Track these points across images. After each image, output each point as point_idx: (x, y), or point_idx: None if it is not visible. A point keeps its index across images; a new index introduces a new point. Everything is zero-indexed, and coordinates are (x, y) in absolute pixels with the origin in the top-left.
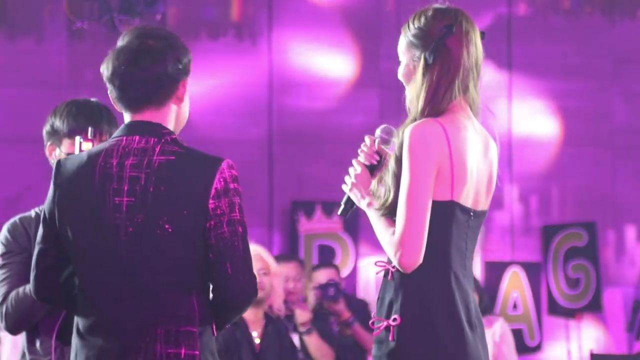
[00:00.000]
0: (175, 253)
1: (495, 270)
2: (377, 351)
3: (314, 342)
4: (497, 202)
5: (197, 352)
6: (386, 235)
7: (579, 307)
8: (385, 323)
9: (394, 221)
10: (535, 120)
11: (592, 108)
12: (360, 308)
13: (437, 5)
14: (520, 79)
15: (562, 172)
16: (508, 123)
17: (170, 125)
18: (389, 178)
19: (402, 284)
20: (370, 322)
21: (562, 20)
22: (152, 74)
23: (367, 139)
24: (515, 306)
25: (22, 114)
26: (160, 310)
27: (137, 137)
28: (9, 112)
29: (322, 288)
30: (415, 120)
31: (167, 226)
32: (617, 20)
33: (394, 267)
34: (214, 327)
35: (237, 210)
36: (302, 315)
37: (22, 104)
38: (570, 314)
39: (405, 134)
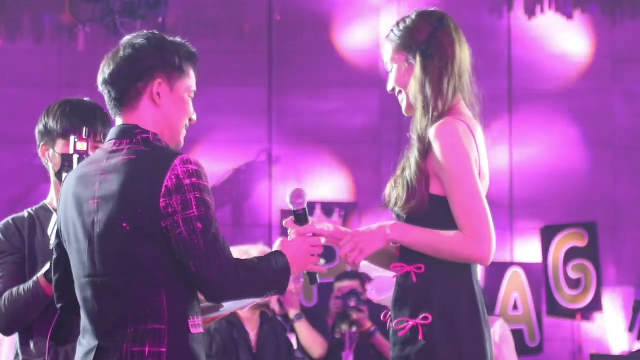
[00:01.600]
0: (137, 251)
1: (495, 270)
2: (401, 352)
3: (304, 330)
4: (498, 202)
5: (164, 350)
6: (446, 237)
7: (580, 307)
8: (411, 323)
9: (420, 223)
10: (535, 120)
11: (592, 108)
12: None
13: (418, 10)
14: (520, 79)
15: (562, 172)
16: (509, 123)
17: (150, 126)
18: (412, 175)
19: (430, 284)
20: (394, 322)
21: (563, 19)
22: (108, 76)
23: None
24: (515, 307)
25: (21, 114)
26: (129, 309)
27: (113, 140)
28: (9, 112)
29: (344, 298)
30: (425, 113)
31: (124, 225)
32: (617, 20)
33: (418, 268)
34: (196, 322)
35: (193, 207)
36: (292, 311)
37: (21, 104)
38: (571, 314)
39: (431, 135)
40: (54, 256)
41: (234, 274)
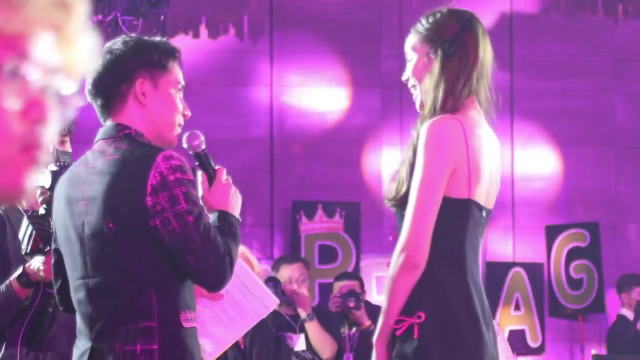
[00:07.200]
0: (123, 251)
1: (497, 270)
2: (399, 351)
3: (315, 331)
4: (499, 202)
5: (156, 347)
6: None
7: (582, 307)
8: (407, 322)
9: (402, 215)
10: (537, 119)
11: (594, 108)
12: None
13: (449, 7)
14: (522, 79)
15: (564, 172)
16: (510, 122)
17: (139, 126)
18: (404, 170)
19: (423, 282)
20: (392, 320)
21: (565, 19)
22: (92, 86)
23: None
24: (517, 307)
25: None
26: (120, 309)
27: (101, 141)
28: None
29: (343, 298)
30: (433, 113)
31: (110, 225)
32: (619, 19)
33: None
34: (188, 317)
35: (182, 201)
36: (303, 312)
37: None
38: (573, 314)
39: (422, 128)
40: (53, 260)
41: (228, 259)
